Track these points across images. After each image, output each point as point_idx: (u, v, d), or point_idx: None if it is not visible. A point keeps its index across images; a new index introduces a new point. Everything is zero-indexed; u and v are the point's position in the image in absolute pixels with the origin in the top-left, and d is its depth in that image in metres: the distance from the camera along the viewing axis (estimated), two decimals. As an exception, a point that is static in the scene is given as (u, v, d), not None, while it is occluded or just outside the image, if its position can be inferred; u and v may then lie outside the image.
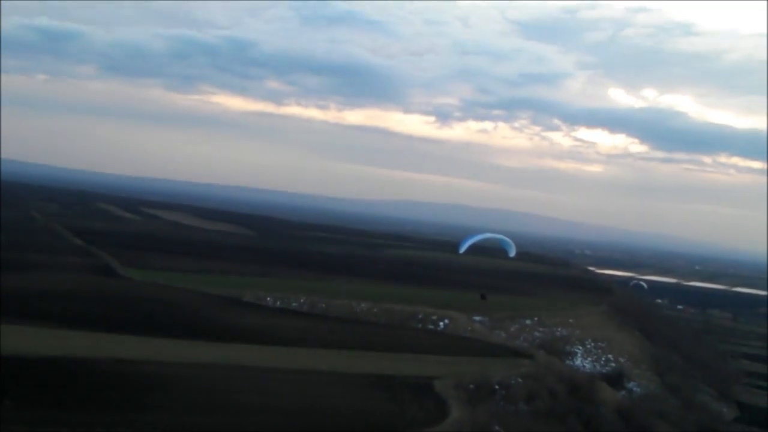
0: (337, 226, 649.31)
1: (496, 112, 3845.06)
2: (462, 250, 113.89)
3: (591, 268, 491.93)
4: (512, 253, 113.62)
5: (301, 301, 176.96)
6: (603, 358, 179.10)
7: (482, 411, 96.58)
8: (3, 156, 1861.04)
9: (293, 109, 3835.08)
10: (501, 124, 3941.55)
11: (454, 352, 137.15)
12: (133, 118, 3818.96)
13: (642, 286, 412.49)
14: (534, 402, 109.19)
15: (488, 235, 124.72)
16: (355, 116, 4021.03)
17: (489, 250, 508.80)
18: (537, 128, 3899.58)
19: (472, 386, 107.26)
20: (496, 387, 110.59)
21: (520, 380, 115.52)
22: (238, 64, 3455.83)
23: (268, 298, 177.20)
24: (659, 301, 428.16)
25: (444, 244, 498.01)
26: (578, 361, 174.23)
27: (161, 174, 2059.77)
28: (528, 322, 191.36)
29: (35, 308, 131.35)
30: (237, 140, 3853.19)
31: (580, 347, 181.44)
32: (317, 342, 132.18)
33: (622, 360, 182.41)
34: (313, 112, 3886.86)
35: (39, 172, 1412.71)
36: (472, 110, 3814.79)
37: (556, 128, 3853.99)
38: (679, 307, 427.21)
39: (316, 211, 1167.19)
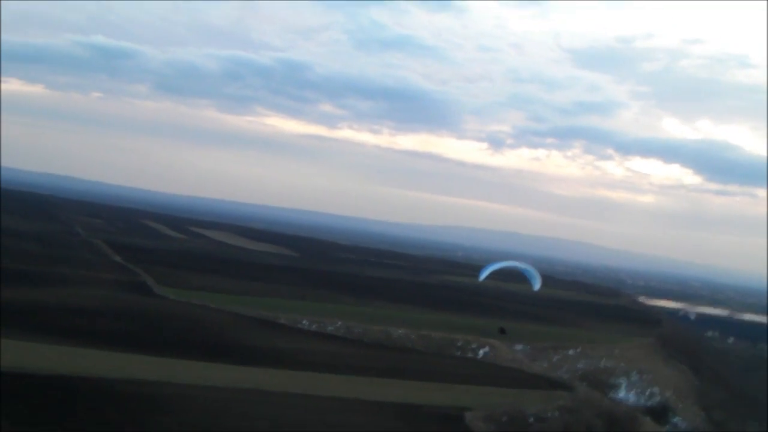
0: (384, 250, 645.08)
1: (549, 140, 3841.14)
2: (482, 277, 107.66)
3: (641, 299, 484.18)
4: (536, 286, 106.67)
5: (338, 325, 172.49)
6: (648, 392, 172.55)
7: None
8: (57, 172, 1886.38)
9: (346, 133, 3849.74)
10: (554, 152, 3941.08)
11: (490, 381, 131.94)
12: (186, 137, 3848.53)
13: (690, 318, 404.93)
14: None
15: (512, 263, 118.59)
16: (408, 141, 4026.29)
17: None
18: (590, 157, 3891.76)
19: (504, 419, 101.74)
20: (531, 420, 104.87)
21: (556, 413, 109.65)
22: (292, 86, 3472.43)
23: (304, 321, 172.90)
24: (709, 333, 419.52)
25: (492, 272, 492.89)
26: (622, 394, 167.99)
27: (213, 194, 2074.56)
28: (571, 352, 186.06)
29: (57, 324, 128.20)
30: (290, 162, 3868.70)
31: (625, 379, 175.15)
32: (347, 368, 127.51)
33: (667, 394, 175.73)
34: (365, 136, 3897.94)
35: (92, 188, 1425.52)
36: (525, 138, 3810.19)
37: (609, 158, 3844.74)
38: (730, 340, 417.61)
39: (367, 235, 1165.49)
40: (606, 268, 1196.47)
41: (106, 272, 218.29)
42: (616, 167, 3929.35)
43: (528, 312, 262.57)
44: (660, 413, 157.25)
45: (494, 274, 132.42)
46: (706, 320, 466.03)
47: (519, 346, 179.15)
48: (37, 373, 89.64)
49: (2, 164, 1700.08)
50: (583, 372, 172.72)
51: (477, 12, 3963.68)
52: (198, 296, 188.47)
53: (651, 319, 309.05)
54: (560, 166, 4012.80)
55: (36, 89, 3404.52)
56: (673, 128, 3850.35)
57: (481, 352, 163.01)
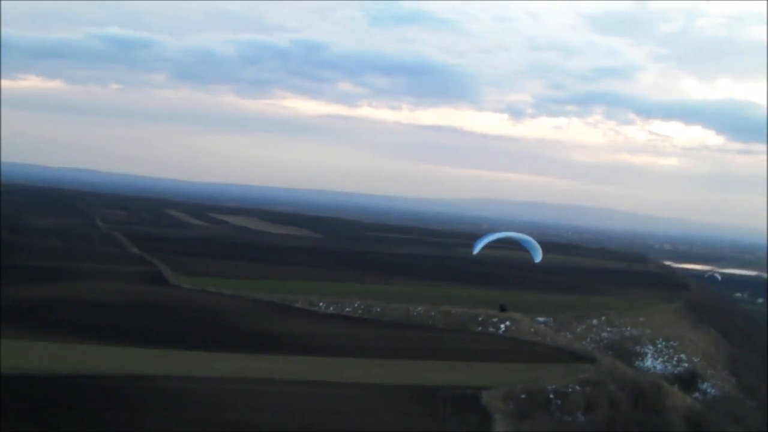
0: (408, 226, 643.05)
1: (570, 107, 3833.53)
2: (476, 250, 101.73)
3: (668, 263, 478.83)
4: (538, 258, 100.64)
5: (356, 305, 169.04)
6: (675, 359, 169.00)
7: (531, 425, 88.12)
8: (80, 166, 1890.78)
9: (366, 111, 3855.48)
10: (575, 120, 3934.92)
11: (510, 357, 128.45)
12: (207, 124, 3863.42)
13: (717, 279, 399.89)
14: (593, 413, 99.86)
15: (508, 233, 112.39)
16: (428, 116, 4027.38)
17: (562, 247, 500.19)
18: (611, 123, 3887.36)
19: (524, 396, 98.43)
20: (551, 396, 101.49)
21: (578, 388, 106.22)
22: (310, 66, 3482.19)
23: (321, 304, 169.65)
24: (738, 294, 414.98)
25: (516, 243, 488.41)
26: (648, 362, 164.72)
27: (235, 180, 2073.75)
28: (595, 322, 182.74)
29: (63, 320, 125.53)
30: (311, 143, 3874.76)
31: (651, 347, 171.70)
32: (362, 350, 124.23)
33: (695, 360, 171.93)
34: (385, 113, 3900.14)
35: (115, 181, 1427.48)
36: (546, 106, 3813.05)
37: (631, 122, 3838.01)
38: (760, 300, 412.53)
39: (392, 212, 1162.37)
40: (632, 234, 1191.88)
41: (121, 264, 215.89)
42: (638, 131, 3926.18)
43: (552, 282, 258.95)
44: (688, 380, 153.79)
45: (500, 245, 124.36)
46: (734, 281, 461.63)
47: (542, 318, 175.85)
48: (36, 374, 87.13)
49: (26, 161, 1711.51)
50: (608, 342, 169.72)
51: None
52: (214, 283, 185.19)
53: (678, 283, 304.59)
54: (582, 133, 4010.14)
55: (55, 84, 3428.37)
56: (694, 89, 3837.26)
57: (503, 326, 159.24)
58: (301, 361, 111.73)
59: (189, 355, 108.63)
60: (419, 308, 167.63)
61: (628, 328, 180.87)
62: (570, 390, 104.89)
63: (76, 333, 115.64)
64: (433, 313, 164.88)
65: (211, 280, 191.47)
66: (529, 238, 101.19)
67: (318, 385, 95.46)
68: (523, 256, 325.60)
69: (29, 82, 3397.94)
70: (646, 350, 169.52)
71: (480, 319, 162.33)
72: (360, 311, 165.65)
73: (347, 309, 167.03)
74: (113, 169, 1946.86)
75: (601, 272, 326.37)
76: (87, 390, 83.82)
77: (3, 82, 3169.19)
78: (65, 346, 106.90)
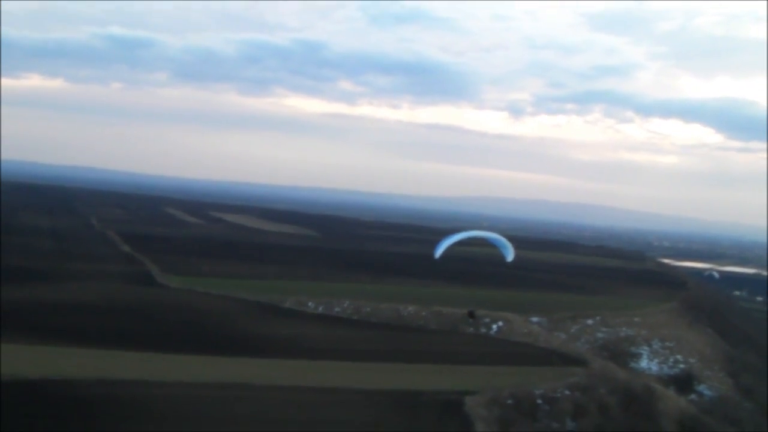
0: (406, 225, 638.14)
1: (569, 105, 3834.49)
2: (438, 254, 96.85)
3: (666, 261, 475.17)
4: (510, 257, 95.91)
5: (345, 305, 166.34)
6: (671, 360, 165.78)
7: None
8: (81, 164, 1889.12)
9: (366, 109, 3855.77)
10: (574, 118, 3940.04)
11: (500, 360, 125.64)
12: (208, 122, 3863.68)
13: (715, 277, 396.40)
14: (582, 418, 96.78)
15: (474, 233, 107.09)
16: (428, 114, 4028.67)
17: (559, 244, 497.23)
18: (610, 121, 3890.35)
19: (510, 402, 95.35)
20: (539, 402, 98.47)
21: (567, 392, 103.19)
22: (310, 65, 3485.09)
23: (310, 304, 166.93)
24: (737, 293, 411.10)
25: (516, 240, 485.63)
26: (644, 364, 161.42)
27: (237, 178, 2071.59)
28: (590, 322, 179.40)
29: (43, 322, 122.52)
30: (312, 141, 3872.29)
31: (647, 348, 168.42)
32: (348, 353, 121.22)
33: (692, 361, 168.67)
34: (385, 112, 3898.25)
35: (116, 179, 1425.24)
36: (545, 105, 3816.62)
37: (630, 120, 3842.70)
38: (759, 298, 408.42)
39: (392, 210, 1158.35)
40: (632, 231, 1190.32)
41: (111, 264, 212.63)
42: (637, 130, 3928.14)
43: (548, 280, 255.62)
44: (684, 382, 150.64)
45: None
46: (733, 279, 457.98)
47: (535, 318, 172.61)
48: (7, 379, 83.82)
49: (25, 159, 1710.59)
50: (603, 343, 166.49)
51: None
52: (202, 283, 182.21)
53: (676, 281, 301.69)
54: (581, 131, 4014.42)
55: (56, 83, 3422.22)
56: (692, 87, 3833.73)
57: (495, 327, 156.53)
58: (283, 364, 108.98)
59: (167, 358, 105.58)
60: (410, 308, 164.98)
61: (624, 329, 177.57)
62: (559, 395, 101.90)
63: (51, 336, 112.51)
64: (424, 314, 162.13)
65: (199, 279, 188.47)
66: (499, 237, 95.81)
67: (296, 390, 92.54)
68: (518, 254, 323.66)
69: (31, 81, 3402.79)
70: (642, 351, 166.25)
71: (478, 316, 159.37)
72: (350, 311, 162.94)
73: (336, 309, 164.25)
74: (115, 167, 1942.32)
75: (599, 270, 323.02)
76: (52, 397, 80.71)
77: (4, 80, 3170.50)
78: (36, 349, 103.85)
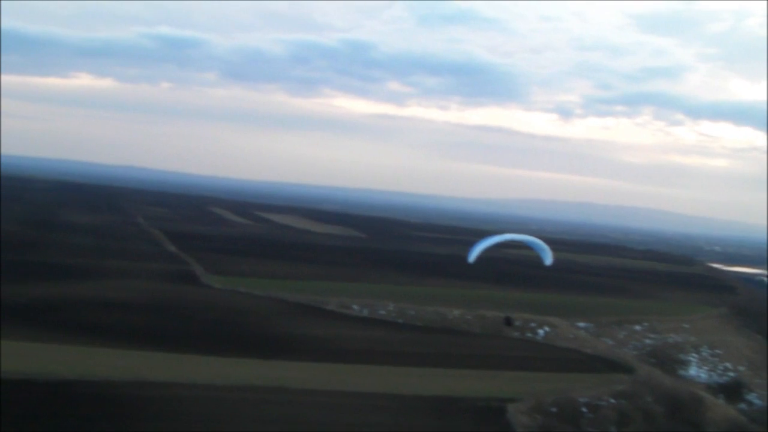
0: (454, 227, 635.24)
1: (618, 107, 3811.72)
2: (471, 258, 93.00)
3: (716, 265, 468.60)
4: (548, 261, 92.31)
5: (389, 307, 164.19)
6: (720, 367, 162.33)
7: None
8: (131, 163, 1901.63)
9: (414, 110, 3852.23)
10: (623, 120, 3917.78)
11: (544, 366, 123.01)
12: (257, 122, 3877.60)
13: (766, 283, 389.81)
14: (627, 427, 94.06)
15: (508, 236, 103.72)
16: (476, 116, 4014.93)
17: (607, 248, 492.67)
18: (660, 123, 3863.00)
19: (553, 409, 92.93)
20: (583, 410, 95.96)
21: (612, 400, 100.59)
22: (359, 66, 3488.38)
23: (354, 306, 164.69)
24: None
25: (563, 243, 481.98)
26: (692, 371, 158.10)
27: (285, 178, 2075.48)
28: (638, 327, 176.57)
29: (82, 320, 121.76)
30: (361, 142, 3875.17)
31: (695, 355, 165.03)
32: (390, 357, 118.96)
33: (741, 368, 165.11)
34: (434, 113, 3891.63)
35: (163, 178, 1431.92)
36: (594, 107, 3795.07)
37: (680, 123, 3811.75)
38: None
39: (440, 212, 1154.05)
40: (682, 236, 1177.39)
41: (155, 262, 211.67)
42: (687, 132, 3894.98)
43: (595, 284, 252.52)
44: (733, 391, 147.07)
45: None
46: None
47: (582, 323, 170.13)
48: (37, 378, 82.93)
49: (75, 158, 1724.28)
50: (651, 349, 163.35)
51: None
52: (245, 283, 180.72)
53: (725, 286, 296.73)
54: (630, 133, 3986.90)
55: (106, 83, 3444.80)
56: (743, 90, 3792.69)
57: (541, 331, 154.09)
58: (321, 367, 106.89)
59: (204, 359, 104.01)
60: (455, 311, 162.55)
61: (672, 335, 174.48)
62: (603, 402, 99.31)
63: (92, 335, 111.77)
64: (468, 317, 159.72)
65: (243, 279, 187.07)
66: (537, 240, 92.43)
67: (332, 394, 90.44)
68: (565, 257, 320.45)
69: (81, 80, 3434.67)
70: (690, 358, 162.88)
71: (517, 323, 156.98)
72: (394, 314, 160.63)
73: (381, 311, 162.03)
74: (164, 167, 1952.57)
75: (647, 274, 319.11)
76: (86, 397, 79.53)
77: (53, 79, 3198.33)
78: (78, 349, 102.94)
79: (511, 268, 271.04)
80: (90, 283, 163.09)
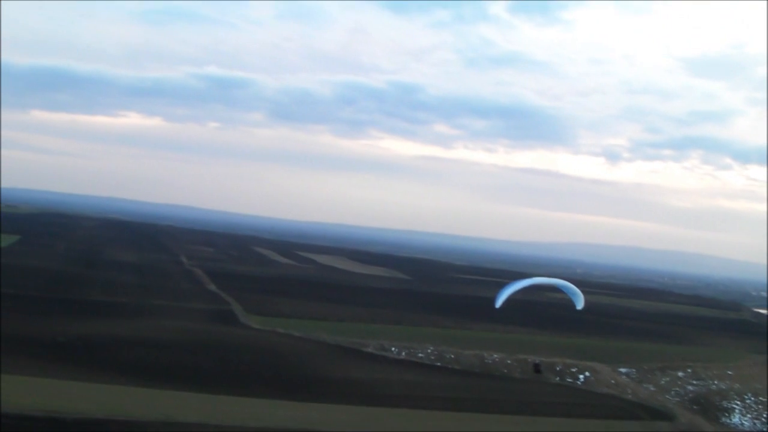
0: (498, 269, 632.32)
1: (666, 151, 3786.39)
2: (499, 303, 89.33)
3: (763, 311, 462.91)
4: (579, 305, 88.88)
5: (429, 351, 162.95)
6: (765, 415, 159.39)
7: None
8: (178, 202, 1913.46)
9: (461, 153, 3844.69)
10: (671, 164, 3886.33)
11: (583, 412, 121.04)
12: (303, 163, 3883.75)
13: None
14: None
15: (538, 280, 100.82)
16: (523, 158, 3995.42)
17: (653, 292, 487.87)
18: (708, 167, 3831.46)
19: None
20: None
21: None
22: (405, 108, 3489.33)
23: (393, 348, 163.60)
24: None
25: (609, 287, 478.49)
26: (735, 419, 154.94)
27: (331, 219, 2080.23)
28: (680, 374, 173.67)
29: (118, 359, 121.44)
30: (407, 184, 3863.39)
31: (739, 402, 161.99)
32: (427, 401, 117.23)
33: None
34: (480, 155, 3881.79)
35: (210, 217, 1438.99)
36: (641, 150, 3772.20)
37: (728, 167, 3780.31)
38: None
39: (485, 255, 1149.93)
40: (730, 281, 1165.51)
41: (194, 301, 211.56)
42: (735, 176, 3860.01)
43: (638, 329, 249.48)
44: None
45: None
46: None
47: (624, 369, 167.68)
48: (67, 417, 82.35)
49: (125, 197, 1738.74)
50: (693, 396, 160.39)
51: (585, 23, 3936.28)
52: (285, 324, 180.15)
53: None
54: (678, 177, 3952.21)
55: (155, 122, 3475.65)
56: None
57: (582, 377, 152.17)
58: (355, 411, 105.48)
59: (237, 401, 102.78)
60: (494, 355, 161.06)
61: (716, 381, 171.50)
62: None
63: (126, 374, 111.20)
64: (508, 361, 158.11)
65: (282, 320, 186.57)
66: (567, 283, 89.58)
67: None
68: (610, 302, 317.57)
69: (130, 120, 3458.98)
70: (734, 405, 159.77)
71: (558, 368, 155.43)
72: (433, 357, 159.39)
73: (420, 354, 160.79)
74: (210, 206, 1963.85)
75: (692, 320, 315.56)
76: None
77: (102, 118, 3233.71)
78: (110, 387, 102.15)
79: (553, 312, 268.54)
80: (128, 321, 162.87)
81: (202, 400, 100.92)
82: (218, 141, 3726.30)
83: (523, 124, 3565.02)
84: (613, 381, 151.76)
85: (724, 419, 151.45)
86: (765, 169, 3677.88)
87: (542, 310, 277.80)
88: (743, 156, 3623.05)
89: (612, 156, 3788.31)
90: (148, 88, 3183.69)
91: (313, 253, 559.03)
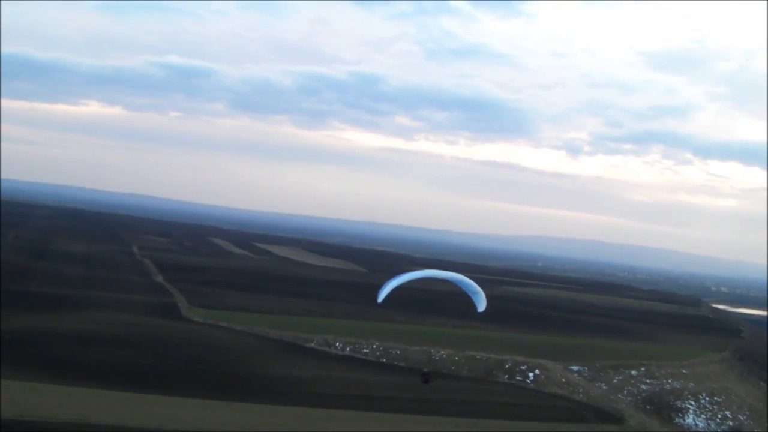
0: (458, 262, 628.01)
1: (627, 146, 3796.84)
2: (381, 297, 79.42)
3: (721, 307, 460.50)
4: (481, 307, 79.22)
5: (374, 346, 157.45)
6: (719, 416, 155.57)
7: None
8: (138, 191, 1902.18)
9: (422, 145, 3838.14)
10: (632, 158, 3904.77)
11: (530, 415, 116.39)
12: (264, 154, 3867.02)
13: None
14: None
15: (428, 273, 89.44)
16: (485, 151, 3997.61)
17: (611, 287, 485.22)
18: (669, 162, 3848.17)
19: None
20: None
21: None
22: (367, 99, 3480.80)
23: (337, 344, 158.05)
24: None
25: (568, 281, 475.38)
26: (689, 420, 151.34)
27: (291, 210, 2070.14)
28: (634, 372, 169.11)
29: (47, 355, 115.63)
30: (368, 175, 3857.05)
31: (693, 402, 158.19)
32: (366, 401, 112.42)
33: (742, 417, 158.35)
34: (442, 148, 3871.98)
35: (169, 207, 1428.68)
36: (602, 144, 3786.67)
37: (688, 162, 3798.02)
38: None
39: (446, 247, 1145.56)
40: (690, 275, 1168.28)
41: (139, 294, 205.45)
42: (695, 171, 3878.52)
43: (593, 324, 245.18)
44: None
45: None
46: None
47: (575, 367, 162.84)
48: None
49: (84, 185, 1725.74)
50: (647, 395, 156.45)
51: (547, 17, 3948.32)
52: (227, 317, 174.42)
53: (730, 329, 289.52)
54: (639, 172, 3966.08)
55: (115, 111, 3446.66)
56: (753, 129, 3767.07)
57: (531, 375, 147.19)
58: (287, 412, 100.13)
59: (160, 400, 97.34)
60: (442, 352, 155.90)
61: (670, 380, 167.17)
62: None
63: (46, 370, 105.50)
64: (456, 358, 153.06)
65: (225, 313, 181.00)
66: (467, 279, 76.90)
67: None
68: (567, 296, 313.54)
69: (90, 108, 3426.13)
70: (688, 406, 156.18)
71: (507, 366, 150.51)
72: (378, 353, 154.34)
73: (365, 350, 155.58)
74: (171, 196, 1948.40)
75: (649, 315, 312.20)
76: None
77: (62, 106, 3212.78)
78: (24, 384, 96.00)
79: (515, 307, 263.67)
80: (67, 315, 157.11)
81: (124, 400, 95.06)
82: (179, 131, 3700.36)
83: (485, 116, 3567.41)
84: (563, 380, 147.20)
85: (677, 420, 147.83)
86: (724, 164, 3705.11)
87: (499, 305, 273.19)
88: (703, 151, 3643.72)
89: (573, 150, 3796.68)
90: (109, 77, 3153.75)
91: (270, 244, 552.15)
